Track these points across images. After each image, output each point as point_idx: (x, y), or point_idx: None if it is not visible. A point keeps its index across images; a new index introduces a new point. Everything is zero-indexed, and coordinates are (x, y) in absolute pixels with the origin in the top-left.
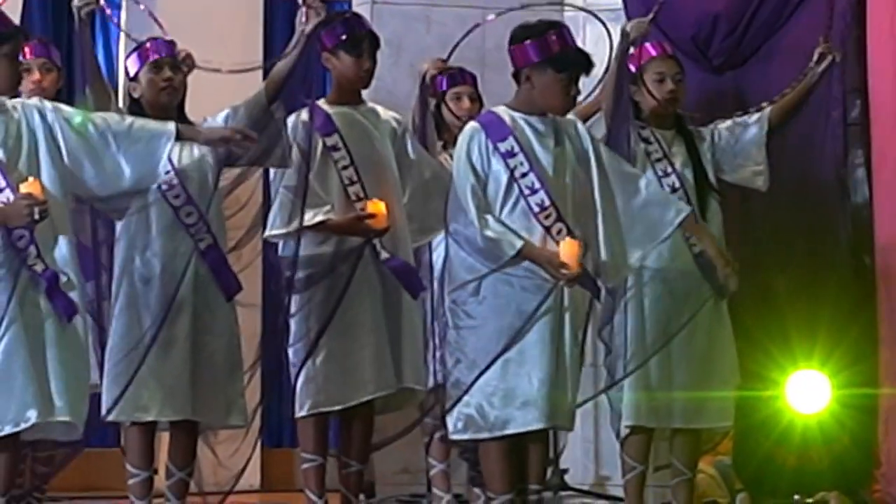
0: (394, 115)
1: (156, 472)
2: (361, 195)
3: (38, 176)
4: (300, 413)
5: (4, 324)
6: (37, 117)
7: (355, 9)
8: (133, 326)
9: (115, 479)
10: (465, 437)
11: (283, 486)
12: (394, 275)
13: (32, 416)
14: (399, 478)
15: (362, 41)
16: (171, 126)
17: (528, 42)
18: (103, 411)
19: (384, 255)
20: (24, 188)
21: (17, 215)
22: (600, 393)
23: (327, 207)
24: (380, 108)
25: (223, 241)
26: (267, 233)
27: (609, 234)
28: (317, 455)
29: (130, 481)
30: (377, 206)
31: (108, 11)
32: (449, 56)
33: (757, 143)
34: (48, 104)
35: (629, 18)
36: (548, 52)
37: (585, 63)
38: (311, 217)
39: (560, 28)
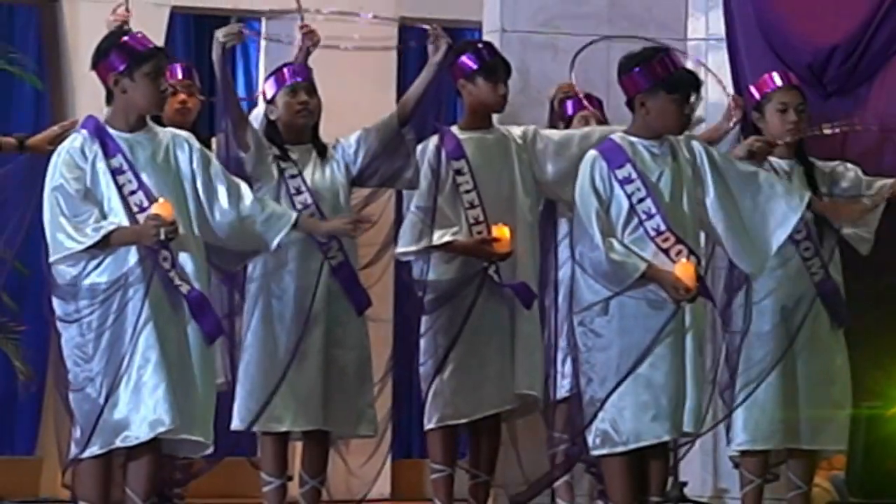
0: (521, 130)
1: (290, 479)
2: (481, 219)
3: (185, 200)
4: (429, 425)
5: (138, 333)
6: (186, 148)
7: (485, 37)
8: (268, 341)
9: (251, 487)
10: (603, 452)
11: (412, 495)
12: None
13: (166, 420)
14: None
15: (498, 67)
16: (292, 213)
17: (636, 70)
18: (237, 422)
19: (498, 279)
20: (153, 209)
21: (147, 235)
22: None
23: (455, 229)
24: (507, 129)
25: (354, 258)
26: (397, 250)
27: (738, 234)
28: (445, 466)
29: (265, 489)
30: (502, 231)
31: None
32: (570, 74)
33: (873, 212)
34: (196, 143)
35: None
36: (658, 76)
37: (695, 82)
38: (438, 237)
39: (665, 52)
